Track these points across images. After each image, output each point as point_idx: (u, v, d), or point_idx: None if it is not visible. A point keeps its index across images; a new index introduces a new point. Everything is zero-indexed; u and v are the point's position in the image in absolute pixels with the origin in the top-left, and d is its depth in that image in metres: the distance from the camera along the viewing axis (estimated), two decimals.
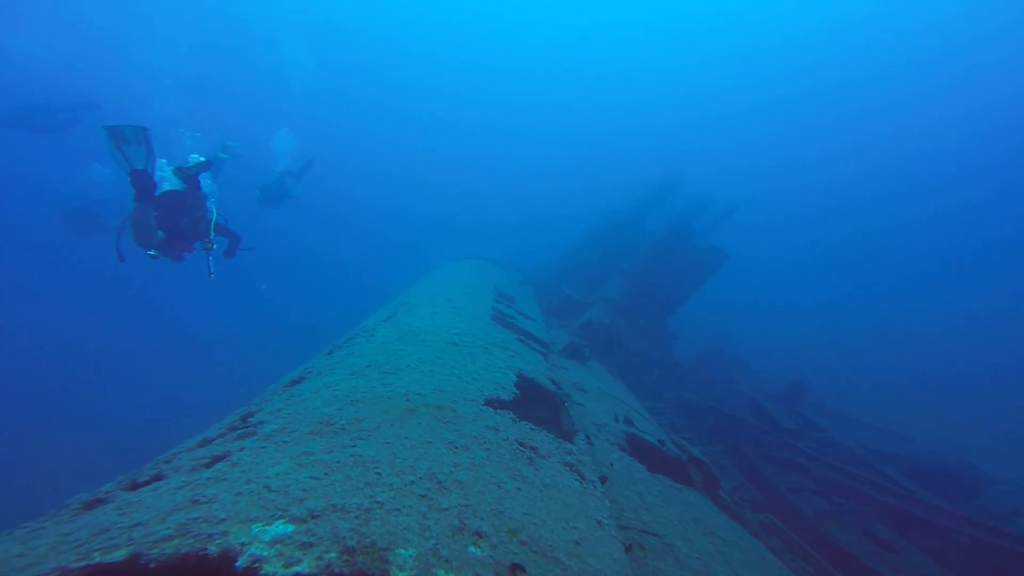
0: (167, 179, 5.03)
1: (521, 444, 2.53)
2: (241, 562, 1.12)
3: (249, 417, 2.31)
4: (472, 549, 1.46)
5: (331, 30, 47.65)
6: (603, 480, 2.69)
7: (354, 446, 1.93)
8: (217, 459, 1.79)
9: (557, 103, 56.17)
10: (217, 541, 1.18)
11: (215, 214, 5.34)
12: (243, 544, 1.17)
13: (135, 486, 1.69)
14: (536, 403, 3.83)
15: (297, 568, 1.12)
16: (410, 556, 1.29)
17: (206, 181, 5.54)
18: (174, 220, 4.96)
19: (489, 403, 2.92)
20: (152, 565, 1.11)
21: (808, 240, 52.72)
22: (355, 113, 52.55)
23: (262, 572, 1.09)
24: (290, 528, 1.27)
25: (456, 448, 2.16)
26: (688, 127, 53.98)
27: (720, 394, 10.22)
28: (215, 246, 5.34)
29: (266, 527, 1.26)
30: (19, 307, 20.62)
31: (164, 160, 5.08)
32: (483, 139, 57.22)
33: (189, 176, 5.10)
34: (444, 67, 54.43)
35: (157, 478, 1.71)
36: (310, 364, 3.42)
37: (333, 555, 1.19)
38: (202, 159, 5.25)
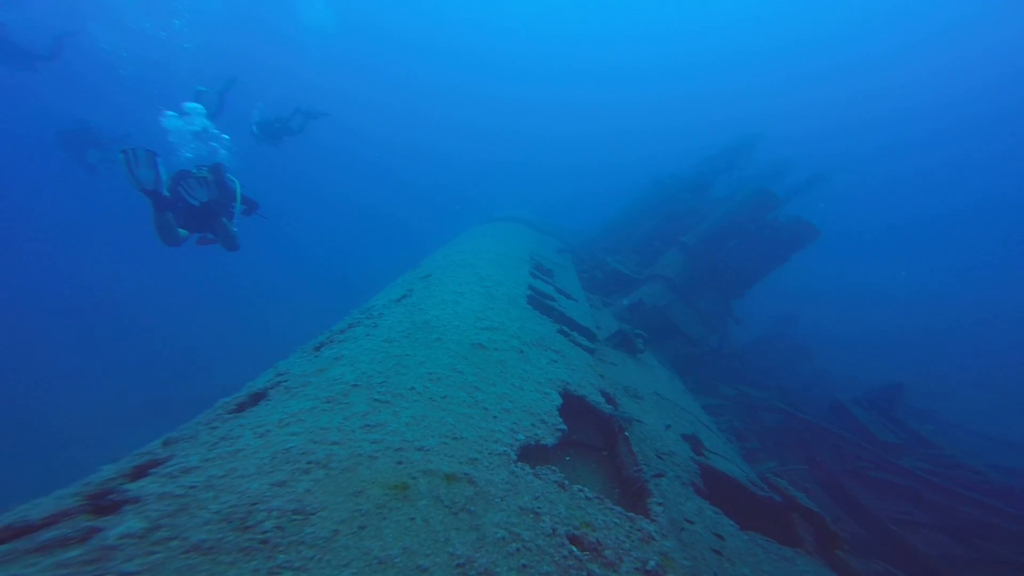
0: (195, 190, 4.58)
1: (575, 542, 1.59)
2: None
3: (141, 474, 1.45)
4: None
5: None
6: None
7: None
8: None
9: (610, 36, 51.37)
10: None
11: (239, 186, 5.12)
12: None
13: None
14: (584, 422, 2.89)
15: None
16: None
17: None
18: (204, 228, 4.84)
19: (525, 454, 1.98)
20: None
21: (903, 214, 46.28)
22: (391, 51, 50.04)
23: None
24: None
25: None
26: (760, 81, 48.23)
27: (783, 386, 8.97)
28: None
29: None
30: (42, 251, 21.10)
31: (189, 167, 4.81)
32: (527, 79, 53.84)
33: (218, 180, 4.84)
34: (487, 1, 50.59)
35: None
36: (286, 366, 2.58)
37: None
38: (211, 165, 4.97)
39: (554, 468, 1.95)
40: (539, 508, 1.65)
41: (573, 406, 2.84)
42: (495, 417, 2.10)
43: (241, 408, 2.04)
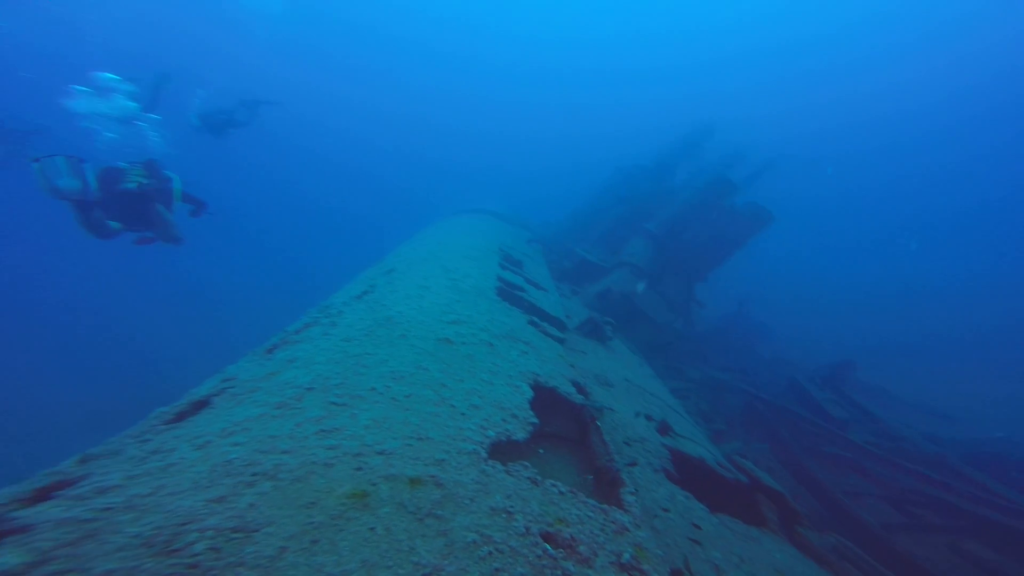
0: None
1: (549, 540, 1.52)
2: None
3: (43, 498, 1.26)
4: None
5: None
6: None
7: None
8: None
9: (573, 38, 51.27)
10: None
11: (178, 182, 4.82)
12: None
13: None
14: (556, 414, 2.84)
15: None
16: None
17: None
18: (139, 225, 4.50)
19: (496, 450, 1.89)
20: None
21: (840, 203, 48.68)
22: (346, 38, 47.87)
23: None
24: None
25: None
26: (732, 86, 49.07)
27: (744, 366, 9.31)
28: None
29: None
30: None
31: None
32: (493, 78, 53.06)
33: (153, 179, 4.51)
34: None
35: None
36: (235, 371, 2.38)
37: None
38: (144, 161, 4.63)
39: (526, 464, 1.87)
40: (511, 507, 1.57)
41: (544, 398, 2.78)
42: (463, 414, 2.00)
43: (180, 418, 1.85)
